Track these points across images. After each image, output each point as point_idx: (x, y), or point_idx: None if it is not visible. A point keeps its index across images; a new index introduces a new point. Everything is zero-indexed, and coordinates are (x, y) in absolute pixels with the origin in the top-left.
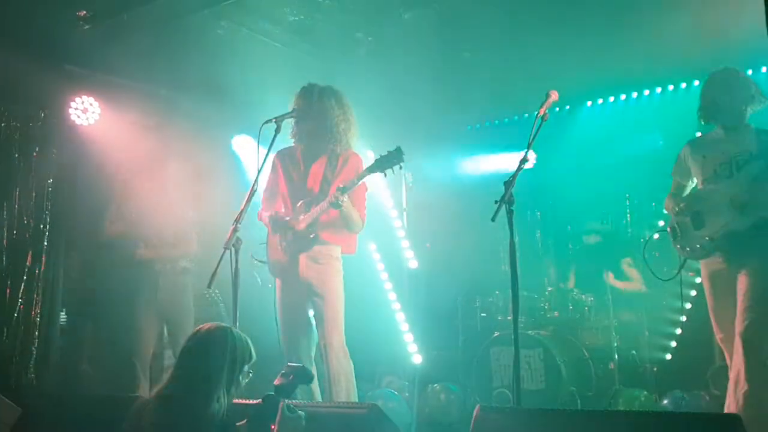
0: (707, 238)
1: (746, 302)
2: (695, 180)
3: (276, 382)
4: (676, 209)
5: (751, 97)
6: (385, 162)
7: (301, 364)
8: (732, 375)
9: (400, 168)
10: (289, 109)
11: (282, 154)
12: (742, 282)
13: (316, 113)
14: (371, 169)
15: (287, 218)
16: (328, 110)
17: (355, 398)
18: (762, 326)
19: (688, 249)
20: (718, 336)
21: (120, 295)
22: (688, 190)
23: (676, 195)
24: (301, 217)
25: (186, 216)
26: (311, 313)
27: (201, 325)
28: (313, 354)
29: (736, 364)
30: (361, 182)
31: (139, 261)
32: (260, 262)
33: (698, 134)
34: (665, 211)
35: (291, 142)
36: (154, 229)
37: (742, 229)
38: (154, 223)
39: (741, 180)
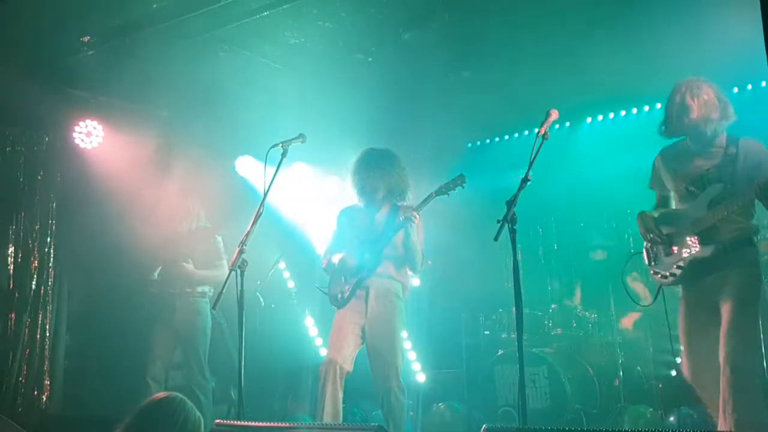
0: (676, 267)
1: (726, 328)
2: (672, 193)
3: None
4: (650, 237)
5: (707, 118)
6: (449, 187)
7: None
8: (721, 397)
9: (462, 188)
10: (350, 175)
11: (346, 211)
12: (719, 309)
13: (382, 181)
14: (438, 192)
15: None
16: (395, 177)
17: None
18: (745, 350)
19: (659, 275)
20: (685, 363)
21: (138, 317)
22: (672, 201)
23: (660, 207)
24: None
25: (213, 239)
26: (361, 337)
27: (153, 396)
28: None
29: (724, 387)
30: (421, 222)
31: (158, 282)
32: (322, 291)
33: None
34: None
35: (294, 166)
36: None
37: (706, 257)
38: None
39: (702, 203)
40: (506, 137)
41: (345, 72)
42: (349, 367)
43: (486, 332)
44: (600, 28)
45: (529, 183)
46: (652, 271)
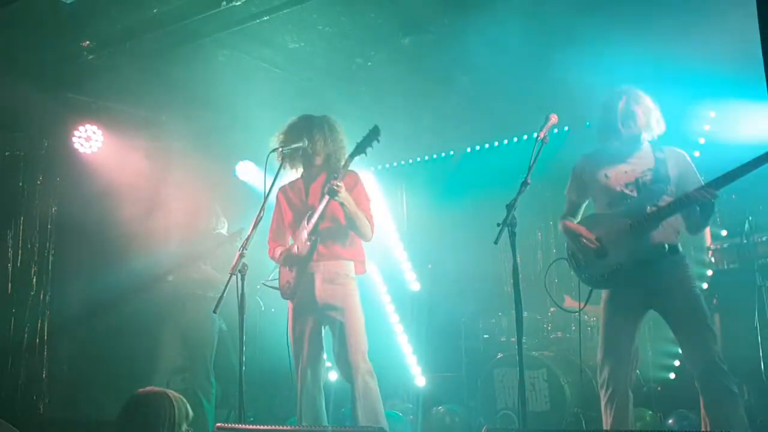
0: (615, 267)
1: (689, 329)
2: (593, 198)
3: None
4: (582, 242)
5: (649, 125)
6: (365, 142)
7: None
8: (701, 399)
9: (378, 142)
10: (279, 135)
11: (283, 189)
12: (666, 312)
13: (322, 146)
14: (354, 154)
15: (296, 249)
16: (337, 143)
17: (383, 416)
18: (714, 346)
19: (593, 279)
20: (604, 359)
21: (137, 320)
22: (582, 210)
23: (571, 215)
24: (305, 230)
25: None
26: (323, 333)
27: (138, 390)
28: (323, 380)
29: (703, 387)
30: (359, 186)
31: (169, 283)
32: (272, 287)
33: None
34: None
35: (294, 174)
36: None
37: (647, 258)
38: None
39: (642, 203)
40: (505, 141)
41: (344, 76)
42: (321, 367)
43: (485, 335)
44: (597, 33)
45: (528, 186)
46: (582, 275)
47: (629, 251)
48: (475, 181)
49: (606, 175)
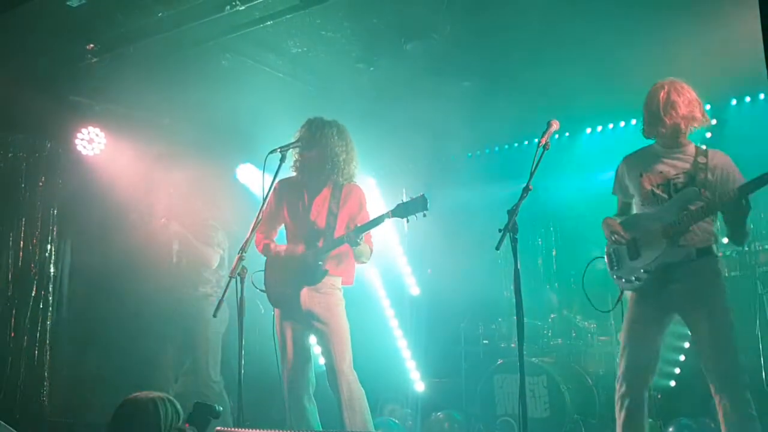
0: (642, 270)
1: (708, 339)
2: (635, 198)
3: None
4: (613, 237)
5: (692, 116)
6: (410, 208)
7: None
8: (719, 409)
9: (424, 216)
10: (293, 140)
11: (284, 183)
12: (691, 319)
13: (318, 145)
14: (394, 213)
15: (295, 250)
16: (330, 142)
17: (370, 423)
18: (735, 360)
19: (623, 280)
20: (623, 358)
21: (137, 323)
22: (633, 209)
23: (621, 215)
24: (309, 251)
25: (214, 238)
26: (313, 340)
27: (128, 396)
28: (312, 386)
29: (721, 398)
30: (364, 211)
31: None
32: (260, 290)
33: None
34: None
35: (293, 172)
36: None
37: (676, 261)
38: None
39: (674, 206)
40: (506, 147)
41: (347, 81)
42: (308, 373)
43: (485, 341)
44: (600, 39)
45: (530, 192)
46: (614, 276)
47: (659, 254)
48: (476, 186)
49: (641, 174)
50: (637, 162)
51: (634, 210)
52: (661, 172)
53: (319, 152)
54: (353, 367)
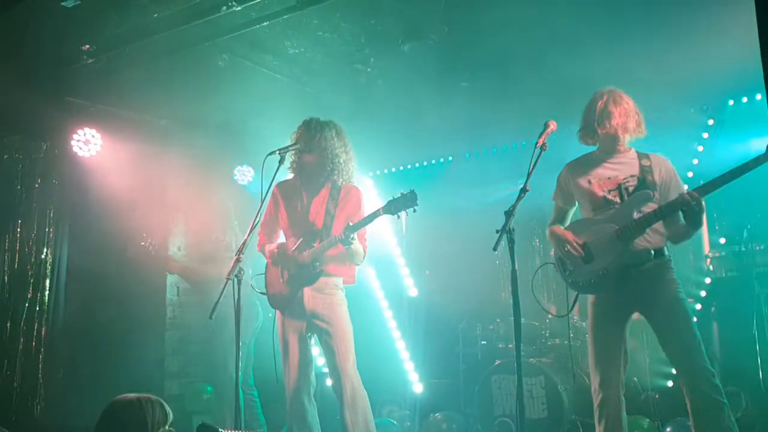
0: (601, 272)
1: (670, 331)
2: (578, 204)
3: None
4: (566, 249)
5: (625, 126)
6: (399, 204)
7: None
8: (687, 401)
9: (414, 211)
10: (291, 142)
11: (282, 186)
12: (651, 315)
13: (317, 147)
14: (385, 211)
15: (292, 251)
16: (330, 144)
17: (372, 424)
18: (698, 348)
19: (580, 284)
20: (595, 366)
21: (133, 326)
22: (569, 216)
23: (559, 222)
24: (306, 251)
25: (218, 239)
26: (314, 341)
27: (114, 398)
28: (313, 387)
29: (691, 397)
30: (360, 210)
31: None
32: (261, 293)
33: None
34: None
35: (290, 174)
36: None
37: (633, 263)
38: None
39: (628, 209)
40: (504, 147)
41: (344, 82)
42: (310, 374)
43: (483, 342)
44: (593, 40)
45: (527, 193)
46: (568, 280)
47: (615, 256)
48: (474, 187)
49: (589, 181)
50: (582, 168)
51: (570, 218)
52: (609, 178)
53: (319, 154)
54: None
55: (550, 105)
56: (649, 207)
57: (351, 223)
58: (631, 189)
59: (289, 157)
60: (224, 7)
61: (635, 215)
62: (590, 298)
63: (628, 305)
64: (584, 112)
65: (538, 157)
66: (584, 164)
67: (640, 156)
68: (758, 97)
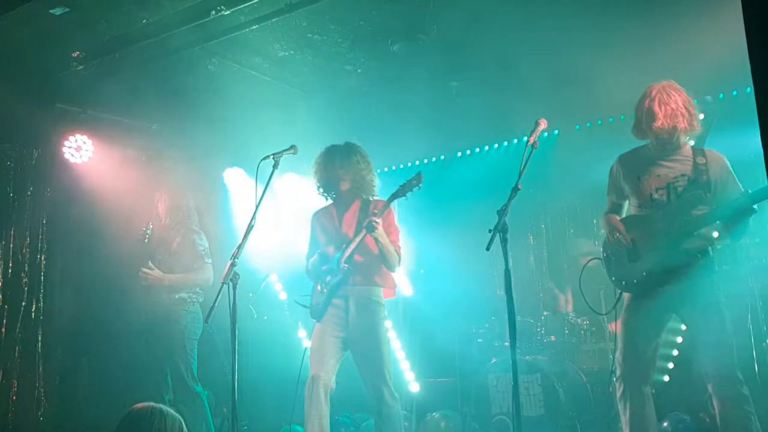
0: (644, 273)
1: (705, 338)
2: (631, 199)
3: None
4: (616, 236)
5: (673, 126)
6: (407, 187)
7: None
8: (716, 405)
9: (419, 189)
10: (313, 170)
11: (317, 214)
12: (689, 319)
13: (346, 176)
14: (396, 195)
15: (326, 265)
16: (357, 168)
17: None
18: (732, 357)
19: (623, 282)
20: (622, 359)
21: (129, 331)
22: (625, 210)
23: (612, 213)
24: (339, 255)
25: (197, 243)
26: (346, 352)
27: (133, 406)
28: (331, 389)
29: (720, 406)
30: (390, 217)
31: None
32: (303, 306)
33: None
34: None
35: (285, 177)
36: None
37: (677, 264)
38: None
39: (678, 211)
40: (495, 146)
41: (334, 84)
42: (332, 381)
43: (479, 340)
44: (587, 38)
45: (519, 192)
46: (612, 277)
47: (661, 257)
48: (466, 186)
49: (638, 177)
50: (633, 163)
51: (626, 211)
52: (659, 176)
53: (350, 180)
54: (344, 369)
55: (542, 104)
56: (700, 210)
57: (377, 219)
58: (680, 189)
59: (288, 161)
60: (213, 12)
61: (684, 217)
62: (627, 295)
63: (667, 307)
64: (635, 107)
65: (530, 155)
66: (636, 159)
67: (696, 153)
68: (748, 90)
